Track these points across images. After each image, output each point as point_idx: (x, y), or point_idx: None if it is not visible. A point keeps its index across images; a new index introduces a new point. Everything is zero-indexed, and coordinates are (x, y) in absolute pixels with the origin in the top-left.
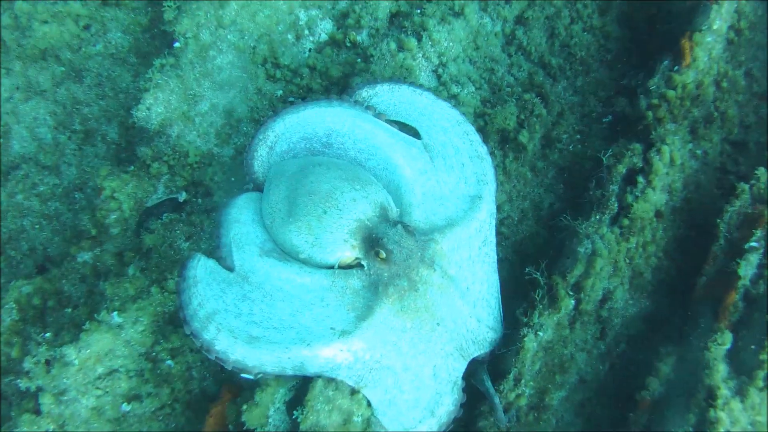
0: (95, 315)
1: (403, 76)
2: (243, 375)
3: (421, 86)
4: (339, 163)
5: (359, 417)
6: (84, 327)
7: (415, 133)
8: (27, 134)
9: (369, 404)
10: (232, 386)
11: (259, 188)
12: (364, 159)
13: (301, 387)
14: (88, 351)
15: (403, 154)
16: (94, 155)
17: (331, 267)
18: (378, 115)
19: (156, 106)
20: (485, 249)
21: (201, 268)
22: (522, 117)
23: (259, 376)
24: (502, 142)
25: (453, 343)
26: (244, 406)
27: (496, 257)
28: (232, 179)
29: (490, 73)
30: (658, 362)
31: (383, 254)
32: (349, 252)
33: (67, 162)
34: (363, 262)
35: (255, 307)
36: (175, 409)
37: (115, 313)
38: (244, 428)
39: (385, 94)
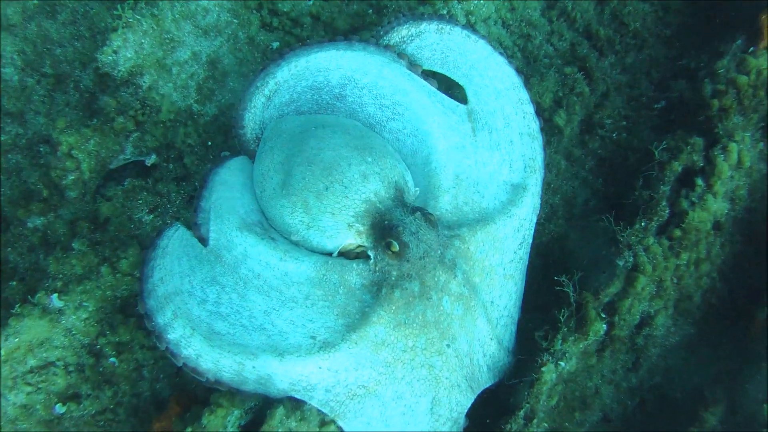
0: (29, 296)
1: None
2: (195, 377)
3: (476, 31)
4: (348, 125)
5: None
6: (13, 311)
7: (455, 93)
8: None
9: None
10: (183, 396)
11: (245, 149)
12: (385, 119)
13: (261, 410)
14: (17, 340)
15: (439, 121)
16: (65, 104)
17: (329, 254)
18: (412, 66)
19: (125, 50)
20: (520, 253)
21: (176, 238)
22: (560, 94)
23: (213, 384)
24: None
25: (462, 372)
26: (189, 429)
27: (527, 264)
28: (209, 143)
29: (526, 39)
30: (702, 410)
31: (396, 246)
32: (354, 239)
33: (35, 110)
34: (369, 253)
35: (224, 295)
36: (118, 415)
37: (55, 295)
38: None
39: (430, 37)
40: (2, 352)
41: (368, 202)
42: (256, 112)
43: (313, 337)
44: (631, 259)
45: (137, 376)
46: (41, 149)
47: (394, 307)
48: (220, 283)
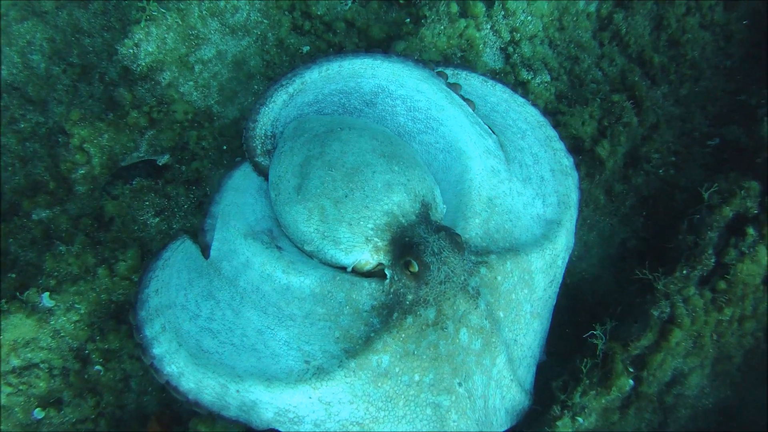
0: (17, 293)
1: (461, 47)
2: (176, 396)
3: (493, 77)
4: (377, 131)
5: None
6: None
7: None
8: (18, 60)
9: None
10: (166, 415)
11: (248, 145)
12: (416, 131)
13: None
14: (1, 337)
15: (475, 141)
16: (88, 95)
17: (343, 269)
18: (452, 86)
19: (146, 44)
20: (549, 291)
21: (180, 251)
22: (605, 123)
23: (192, 405)
24: (573, 152)
25: (474, 415)
26: None
27: (554, 303)
28: (224, 147)
29: (573, 62)
30: None
31: (415, 267)
32: (370, 255)
33: (57, 99)
34: (386, 271)
35: (217, 311)
36: (99, 425)
37: (46, 294)
38: None
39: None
40: None
41: (390, 214)
42: (273, 108)
43: (306, 362)
44: (668, 309)
45: (123, 387)
46: (60, 139)
47: (404, 335)
48: (215, 297)
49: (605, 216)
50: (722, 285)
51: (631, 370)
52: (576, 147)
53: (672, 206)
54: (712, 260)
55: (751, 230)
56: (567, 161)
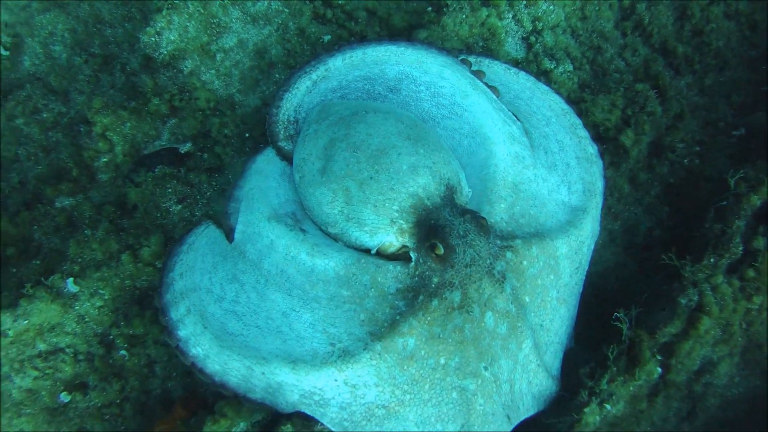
0: (42, 279)
1: (483, 36)
2: (202, 378)
3: (516, 65)
4: (402, 115)
5: None
6: (24, 291)
7: None
8: (40, 50)
9: None
10: (192, 399)
11: (271, 131)
12: (441, 116)
13: (270, 423)
14: (26, 322)
15: (500, 127)
16: (110, 85)
17: (367, 251)
18: (476, 73)
19: (168, 32)
20: (576, 278)
21: (205, 236)
22: (629, 113)
23: (218, 387)
24: (597, 141)
25: (500, 399)
26: None
27: (581, 290)
28: (246, 135)
29: (596, 52)
30: None
31: (440, 249)
32: (395, 237)
33: (79, 89)
34: (411, 254)
35: (242, 294)
36: (124, 410)
37: (71, 279)
38: None
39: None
40: (11, 333)
41: (415, 197)
42: (297, 94)
43: (332, 344)
44: (696, 297)
45: (148, 372)
46: (82, 129)
47: (429, 318)
48: (240, 280)
49: (630, 205)
50: (751, 273)
51: (659, 357)
52: (599, 135)
53: (697, 196)
54: (740, 248)
55: None
56: (592, 149)
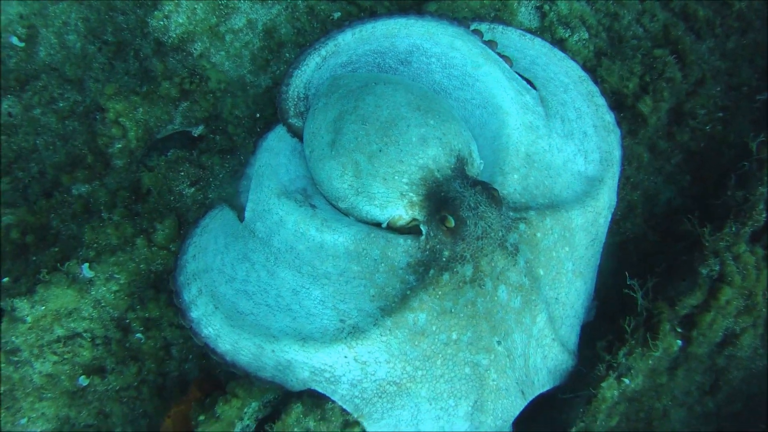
0: (58, 264)
1: (494, 7)
2: (214, 358)
3: (531, 32)
4: (412, 86)
5: None
6: (40, 277)
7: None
8: (55, 41)
9: None
10: (207, 381)
11: (281, 109)
12: (452, 87)
13: (281, 402)
14: (44, 308)
15: (512, 97)
16: (124, 72)
17: (378, 225)
18: (488, 43)
19: (177, 15)
20: (592, 250)
21: (218, 218)
22: (647, 79)
23: (230, 366)
24: (615, 109)
25: (513, 374)
26: (201, 416)
27: (598, 263)
28: (257, 115)
29: (612, 18)
30: None
31: (451, 222)
32: (405, 211)
33: (94, 77)
34: (422, 227)
35: (252, 273)
36: (142, 393)
37: (86, 265)
38: None
39: (484, 37)
40: (29, 319)
41: (425, 169)
42: (306, 71)
43: (342, 321)
44: (717, 267)
45: (164, 355)
46: (98, 117)
47: (440, 292)
48: (250, 260)
49: (649, 174)
50: None
51: (680, 330)
52: (617, 102)
53: (720, 163)
54: (763, 216)
55: None
56: (609, 117)
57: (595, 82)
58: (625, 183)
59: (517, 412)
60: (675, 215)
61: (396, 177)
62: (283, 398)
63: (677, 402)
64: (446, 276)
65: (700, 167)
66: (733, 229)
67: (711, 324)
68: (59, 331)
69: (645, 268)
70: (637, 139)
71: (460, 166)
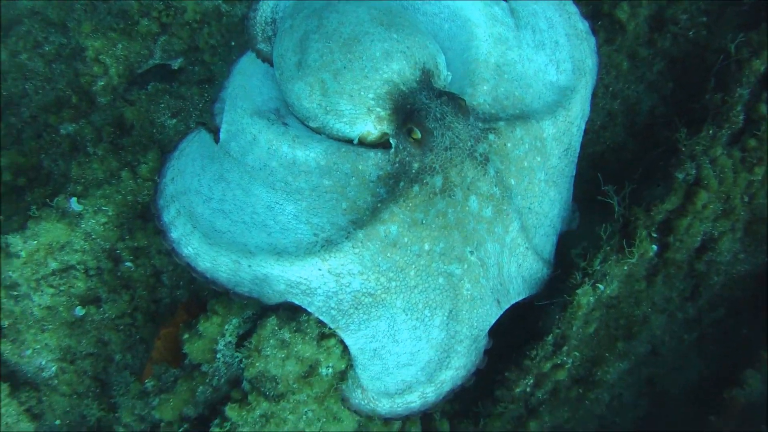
0: (47, 200)
1: None
2: (195, 277)
3: None
4: (376, 2)
5: (327, 369)
6: (30, 213)
7: None
8: None
9: (345, 353)
10: (193, 303)
11: (249, 34)
12: (420, 1)
13: (259, 319)
14: (36, 242)
15: (480, 8)
16: (106, 12)
17: (350, 142)
18: None
19: None
20: (566, 160)
21: (196, 141)
22: None
23: (210, 283)
24: (591, 18)
25: (488, 283)
26: (185, 335)
27: (573, 172)
28: (232, 43)
29: None
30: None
31: (417, 133)
32: (374, 126)
33: (77, 18)
34: (391, 140)
35: (228, 192)
36: (136, 320)
37: (74, 199)
38: (187, 361)
39: None
40: (23, 254)
41: (390, 83)
42: None
43: (315, 235)
44: (693, 171)
45: (155, 282)
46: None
47: (411, 204)
48: (226, 179)
49: (630, 83)
50: (752, 143)
51: (655, 235)
52: (594, 10)
53: (704, 69)
54: (741, 118)
55: None
56: (582, 25)
57: None
58: (604, 92)
59: (493, 321)
60: (657, 123)
61: (362, 93)
62: (262, 314)
63: (657, 309)
64: (416, 188)
65: (683, 74)
66: (711, 132)
67: (688, 229)
68: (53, 265)
69: (624, 176)
70: (615, 47)
71: (426, 78)
